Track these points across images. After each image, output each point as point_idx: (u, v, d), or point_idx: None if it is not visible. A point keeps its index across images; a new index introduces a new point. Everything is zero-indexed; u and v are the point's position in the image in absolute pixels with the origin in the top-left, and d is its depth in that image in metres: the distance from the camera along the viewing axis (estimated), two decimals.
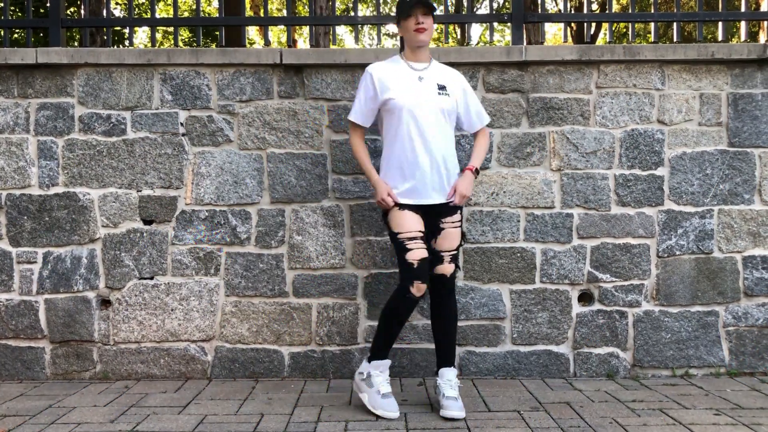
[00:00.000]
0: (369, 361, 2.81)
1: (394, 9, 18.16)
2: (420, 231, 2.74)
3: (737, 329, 3.40)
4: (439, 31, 16.77)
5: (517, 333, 3.38)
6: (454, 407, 2.66)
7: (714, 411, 2.76)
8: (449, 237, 2.80)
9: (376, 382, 2.75)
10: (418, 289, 2.69)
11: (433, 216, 2.80)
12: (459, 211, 2.85)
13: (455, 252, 2.83)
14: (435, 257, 2.80)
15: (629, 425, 2.57)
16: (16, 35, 11.64)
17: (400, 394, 3.03)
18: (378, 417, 2.68)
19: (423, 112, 2.76)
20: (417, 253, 2.70)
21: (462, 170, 2.88)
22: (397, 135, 2.77)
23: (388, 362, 2.80)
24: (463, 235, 2.96)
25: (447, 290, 2.84)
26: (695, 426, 2.56)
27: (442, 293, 2.83)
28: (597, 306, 3.39)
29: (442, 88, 2.81)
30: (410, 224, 2.73)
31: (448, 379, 2.78)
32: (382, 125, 2.88)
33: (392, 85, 2.78)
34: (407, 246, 2.70)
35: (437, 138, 2.77)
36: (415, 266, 2.69)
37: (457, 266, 2.86)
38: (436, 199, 2.78)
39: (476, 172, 2.85)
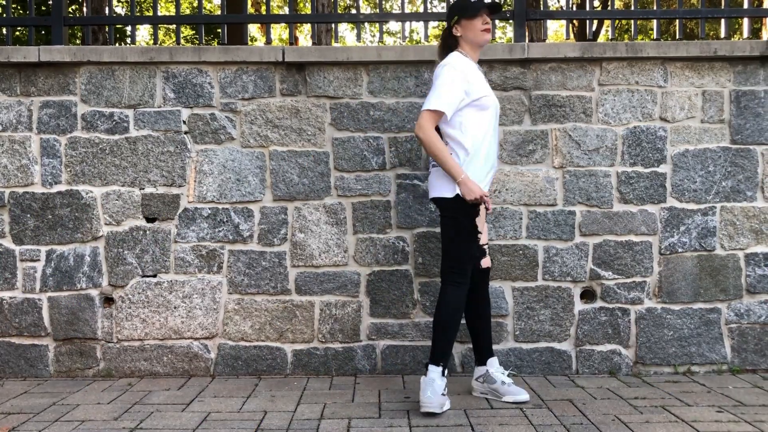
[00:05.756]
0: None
1: (395, 6, 17.66)
2: None
3: (739, 326, 3.40)
4: (440, 28, 16.83)
5: (519, 330, 3.39)
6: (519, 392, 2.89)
7: (716, 408, 2.77)
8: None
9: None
10: None
11: None
12: None
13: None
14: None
15: (631, 422, 2.57)
16: (18, 33, 11.65)
17: (403, 392, 3.04)
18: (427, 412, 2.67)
19: (498, 110, 2.90)
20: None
21: None
22: (487, 131, 2.81)
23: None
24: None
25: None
26: (697, 423, 2.56)
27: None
28: (599, 303, 3.39)
29: None
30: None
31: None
32: (461, 121, 2.79)
33: (477, 83, 2.81)
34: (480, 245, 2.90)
35: None
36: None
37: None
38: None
39: None
